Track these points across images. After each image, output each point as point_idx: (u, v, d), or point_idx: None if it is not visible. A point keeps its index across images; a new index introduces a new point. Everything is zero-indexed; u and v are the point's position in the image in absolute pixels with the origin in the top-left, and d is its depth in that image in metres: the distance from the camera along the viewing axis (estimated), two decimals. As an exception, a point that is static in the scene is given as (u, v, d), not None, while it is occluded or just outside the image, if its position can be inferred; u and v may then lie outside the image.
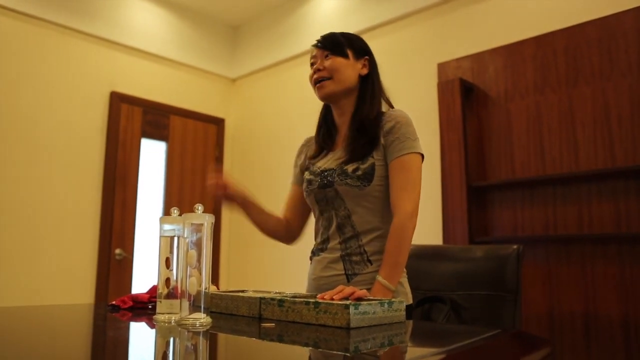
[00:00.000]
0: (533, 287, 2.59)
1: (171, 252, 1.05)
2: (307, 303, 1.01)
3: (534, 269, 2.61)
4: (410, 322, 1.23)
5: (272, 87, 4.22)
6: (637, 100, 2.40)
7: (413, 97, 3.17)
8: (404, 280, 1.39)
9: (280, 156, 3.96)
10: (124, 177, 3.72)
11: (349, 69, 1.43)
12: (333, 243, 1.40)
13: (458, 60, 3.01)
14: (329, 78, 1.42)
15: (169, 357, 0.79)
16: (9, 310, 1.45)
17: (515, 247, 1.54)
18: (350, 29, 1.55)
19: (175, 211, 1.06)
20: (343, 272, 1.37)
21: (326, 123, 1.53)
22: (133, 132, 3.81)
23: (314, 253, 1.47)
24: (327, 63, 1.43)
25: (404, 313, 1.06)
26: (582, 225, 2.50)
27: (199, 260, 0.95)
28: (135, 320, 1.17)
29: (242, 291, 1.28)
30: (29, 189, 3.26)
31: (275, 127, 4.12)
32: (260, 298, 1.10)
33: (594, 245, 2.45)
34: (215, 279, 4.09)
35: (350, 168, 1.37)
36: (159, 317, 1.02)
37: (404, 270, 1.37)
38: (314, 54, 1.48)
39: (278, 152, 4.01)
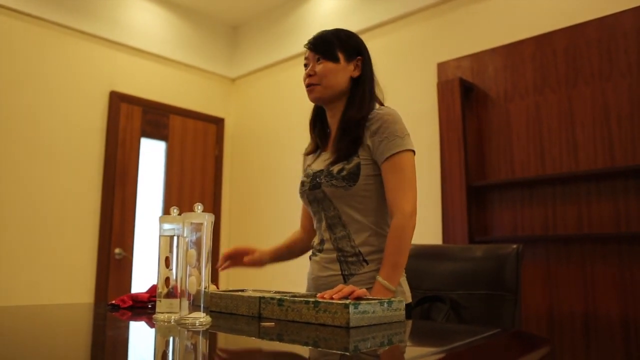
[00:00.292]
0: (532, 286, 2.59)
1: (171, 251, 1.05)
2: (307, 302, 1.01)
3: (534, 269, 2.61)
4: (410, 321, 1.23)
5: (272, 86, 4.22)
6: (637, 100, 2.40)
7: (413, 97, 3.18)
8: (403, 279, 1.39)
9: (280, 155, 3.96)
10: (123, 177, 3.72)
11: (339, 74, 1.43)
12: (328, 244, 1.41)
13: (458, 60, 3.01)
14: (318, 84, 1.42)
15: (168, 356, 0.79)
16: (9, 309, 1.45)
17: (514, 246, 1.55)
18: (350, 28, 1.54)
19: (174, 210, 1.06)
20: (340, 272, 1.37)
21: (321, 121, 1.54)
22: (133, 131, 3.81)
23: (313, 253, 1.48)
24: (318, 68, 1.43)
25: (403, 312, 1.06)
26: (581, 225, 2.50)
27: (198, 259, 0.95)
28: (135, 320, 1.17)
29: (242, 290, 1.28)
30: (29, 189, 3.26)
31: (274, 126, 4.12)
32: (260, 297, 1.10)
33: (594, 245, 2.46)
34: (215, 278, 4.09)
35: (335, 169, 1.38)
36: (158, 316, 1.02)
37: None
38: (306, 55, 1.49)
39: (278, 151, 4.02)
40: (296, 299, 1.04)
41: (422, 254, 1.74)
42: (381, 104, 1.48)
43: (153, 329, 1.03)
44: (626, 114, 2.42)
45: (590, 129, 2.52)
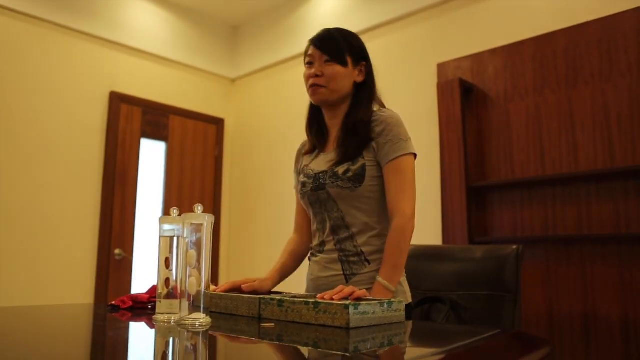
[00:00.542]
0: (532, 287, 2.59)
1: (171, 252, 1.05)
2: (307, 303, 1.01)
3: (534, 270, 2.61)
4: (410, 322, 1.23)
5: (272, 87, 4.22)
6: (637, 100, 2.40)
7: (413, 98, 3.18)
8: (403, 279, 1.39)
9: (280, 156, 3.96)
10: (123, 177, 3.72)
11: (346, 79, 1.42)
12: (329, 245, 1.40)
13: (458, 60, 3.01)
14: (325, 86, 1.41)
15: (168, 357, 0.79)
16: (9, 310, 1.45)
17: (514, 247, 1.55)
18: (350, 29, 1.54)
19: (174, 211, 1.06)
20: (341, 272, 1.37)
21: (317, 122, 1.53)
22: (132, 132, 3.81)
23: (312, 254, 1.47)
24: (327, 71, 1.41)
25: (403, 313, 1.06)
26: (581, 226, 2.50)
27: (198, 260, 0.95)
28: (135, 321, 1.17)
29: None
30: (29, 189, 3.26)
31: (274, 127, 4.12)
32: (260, 298, 1.10)
33: (594, 246, 2.46)
34: (215, 278, 4.09)
35: (340, 170, 1.37)
36: (158, 317, 1.02)
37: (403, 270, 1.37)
38: (310, 52, 1.46)
39: (278, 152, 4.02)
40: (296, 299, 1.04)
41: (422, 254, 1.74)
42: (382, 106, 1.48)
43: (153, 330, 1.03)
44: (626, 115, 2.43)
45: (590, 129, 2.52)
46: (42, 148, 3.34)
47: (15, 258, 3.16)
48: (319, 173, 1.43)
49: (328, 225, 1.41)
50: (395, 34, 3.40)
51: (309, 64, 1.46)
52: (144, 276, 3.72)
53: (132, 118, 3.81)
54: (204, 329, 0.93)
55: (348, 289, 1.08)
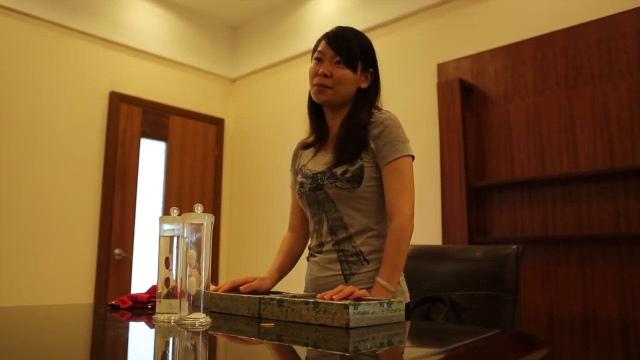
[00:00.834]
0: (532, 287, 2.59)
1: (171, 252, 1.05)
2: (307, 303, 1.01)
3: (533, 270, 2.61)
4: (409, 322, 1.23)
5: (272, 87, 4.22)
6: (637, 101, 2.40)
7: (413, 98, 3.18)
8: (401, 279, 1.39)
9: (280, 156, 3.96)
10: (123, 177, 3.72)
11: (353, 84, 1.42)
12: (328, 245, 1.41)
13: (458, 60, 3.01)
14: (331, 87, 1.40)
15: (168, 357, 0.79)
16: (8, 310, 1.45)
17: (514, 247, 1.55)
18: (350, 29, 1.53)
19: (174, 211, 1.06)
20: (340, 272, 1.37)
21: (317, 115, 1.52)
22: (132, 132, 3.81)
23: (311, 254, 1.48)
24: (336, 73, 1.40)
25: (403, 313, 1.06)
26: (581, 226, 2.50)
27: (198, 260, 0.95)
28: (135, 320, 1.17)
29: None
30: (28, 189, 3.26)
31: (274, 127, 4.12)
32: (260, 298, 1.11)
33: (593, 246, 2.46)
34: (214, 278, 4.09)
35: (339, 171, 1.38)
36: (158, 317, 1.02)
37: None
38: (321, 48, 1.43)
39: (278, 152, 4.02)
40: (296, 299, 1.04)
41: (422, 254, 1.74)
42: (378, 108, 1.48)
43: (153, 330, 1.03)
44: (626, 115, 2.43)
45: (590, 129, 2.52)
46: (42, 148, 3.34)
47: (15, 258, 3.16)
48: (317, 173, 1.43)
49: (326, 225, 1.41)
50: (395, 34, 3.40)
51: (318, 60, 1.43)
52: (143, 276, 3.72)
53: (132, 118, 3.81)
54: (204, 329, 0.93)
55: (348, 289, 1.08)
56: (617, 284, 2.37)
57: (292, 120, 3.87)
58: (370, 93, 1.46)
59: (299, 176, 1.50)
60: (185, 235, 0.97)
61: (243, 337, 0.98)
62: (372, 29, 3.46)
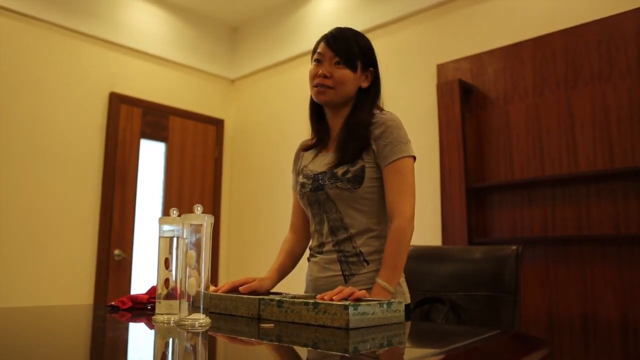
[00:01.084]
0: (532, 288, 2.59)
1: (170, 252, 1.05)
2: (307, 304, 1.01)
3: (533, 270, 2.61)
4: (409, 322, 1.23)
5: (272, 88, 4.22)
6: (636, 101, 2.41)
7: (412, 98, 3.18)
8: (402, 280, 1.39)
9: (280, 157, 3.96)
10: (123, 178, 3.72)
11: (353, 84, 1.42)
12: (328, 246, 1.41)
13: (457, 61, 3.02)
14: (332, 87, 1.41)
15: (168, 357, 0.79)
16: (8, 310, 1.45)
17: (514, 248, 1.55)
18: (350, 30, 1.53)
19: (174, 212, 1.06)
20: (340, 273, 1.37)
21: (319, 116, 1.52)
22: (132, 132, 3.81)
23: (311, 255, 1.48)
24: (336, 73, 1.40)
25: (403, 314, 1.06)
26: (581, 227, 2.51)
27: (198, 260, 0.95)
28: (135, 321, 1.17)
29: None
30: (28, 190, 3.26)
31: (274, 127, 4.12)
32: (260, 299, 1.10)
33: (593, 247, 2.46)
34: (214, 279, 4.09)
35: (340, 171, 1.38)
36: (158, 317, 1.02)
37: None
38: (321, 50, 1.43)
39: (277, 152, 4.02)
40: (296, 300, 1.04)
41: (422, 255, 1.74)
42: (380, 108, 1.48)
43: (152, 331, 1.03)
44: (626, 116, 2.43)
45: (590, 130, 2.52)
46: (42, 148, 3.34)
47: (15, 258, 3.16)
48: (318, 174, 1.43)
49: (326, 226, 1.41)
50: (394, 35, 3.40)
51: (318, 62, 1.44)
52: (143, 277, 3.72)
53: (131, 118, 3.81)
54: (204, 330, 0.93)
55: (348, 290, 1.08)
56: (616, 284, 2.37)
57: (291, 121, 3.87)
58: (371, 92, 1.46)
59: (300, 177, 1.50)
60: (185, 236, 0.97)
61: (243, 338, 0.98)
62: (372, 29, 3.47)
